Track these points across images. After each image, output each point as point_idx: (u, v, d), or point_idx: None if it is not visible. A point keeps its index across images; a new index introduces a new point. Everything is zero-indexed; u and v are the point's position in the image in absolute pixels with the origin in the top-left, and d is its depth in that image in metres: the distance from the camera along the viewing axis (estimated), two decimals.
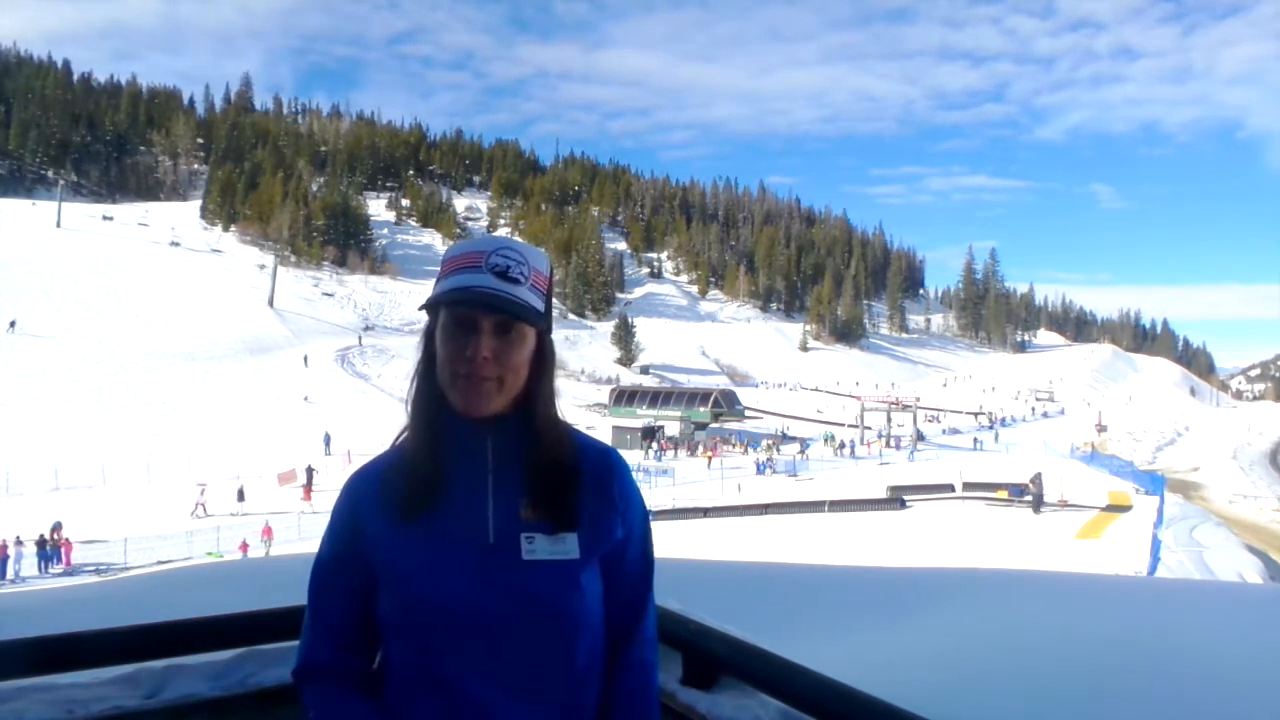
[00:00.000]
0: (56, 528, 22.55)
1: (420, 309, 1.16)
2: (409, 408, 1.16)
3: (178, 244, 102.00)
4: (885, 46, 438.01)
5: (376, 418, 43.81)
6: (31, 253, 79.87)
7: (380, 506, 1.12)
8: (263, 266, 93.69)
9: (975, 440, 50.22)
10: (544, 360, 1.16)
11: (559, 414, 1.17)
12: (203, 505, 28.50)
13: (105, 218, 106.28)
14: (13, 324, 49.54)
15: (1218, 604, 3.63)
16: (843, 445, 45.71)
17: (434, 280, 1.17)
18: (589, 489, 1.14)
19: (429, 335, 1.15)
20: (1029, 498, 27.94)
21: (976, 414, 67.93)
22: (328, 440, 40.79)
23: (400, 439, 1.17)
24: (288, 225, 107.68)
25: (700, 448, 45.77)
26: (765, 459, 40.14)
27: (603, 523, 1.15)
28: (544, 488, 1.12)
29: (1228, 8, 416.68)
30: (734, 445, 46.43)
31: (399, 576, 1.10)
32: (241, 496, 30.42)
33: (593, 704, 1.14)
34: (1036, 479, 27.96)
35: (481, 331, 1.09)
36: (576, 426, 1.21)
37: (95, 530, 24.06)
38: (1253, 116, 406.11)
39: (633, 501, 1.20)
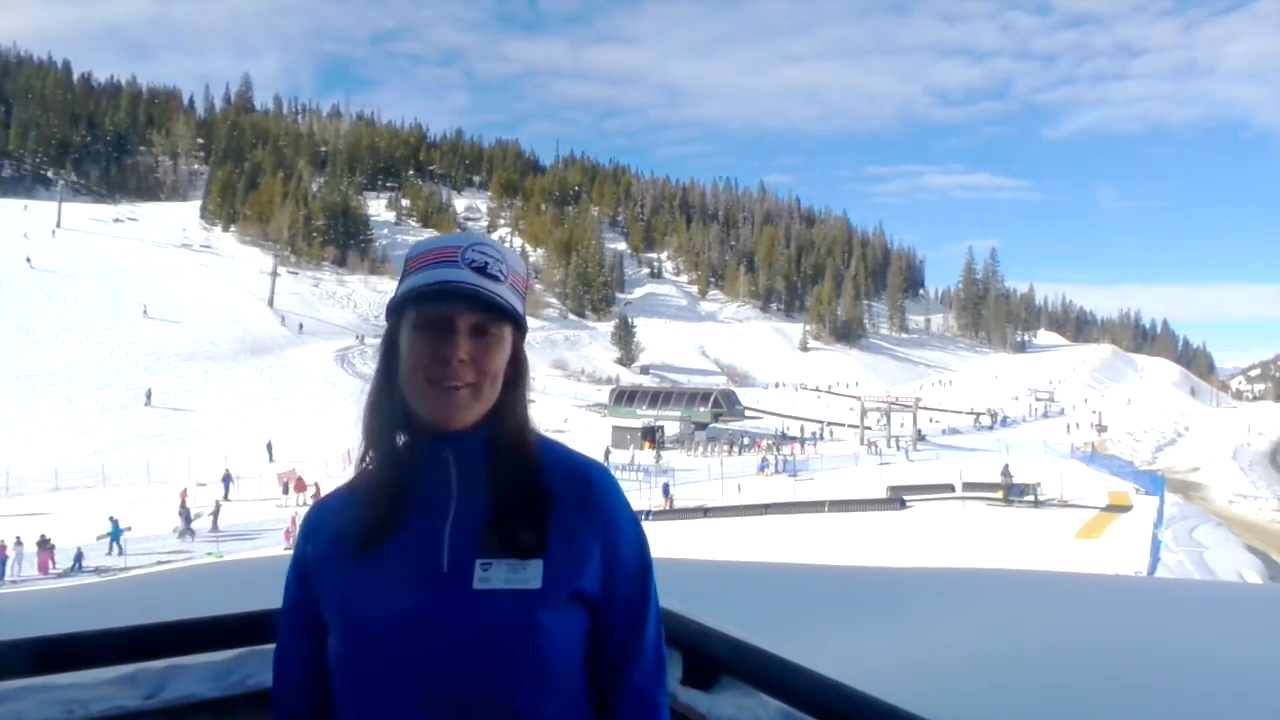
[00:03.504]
0: (44, 543, 22.50)
1: (388, 307, 1.02)
2: (362, 431, 1.04)
3: (189, 245, 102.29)
4: (881, 42, 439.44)
5: None
6: (32, 253, 79.88)
7: (332, 543, 1.02)
8: (265, 271, 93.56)
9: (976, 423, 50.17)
10: (518, 369, 1.04)
11: (531, 427, 1.05)
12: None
13: (116, 220, 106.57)
14: (149, 394, 49.54)
15: (1218, 604, 3.63)
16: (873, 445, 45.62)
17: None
18: (564, 510, 1.00)
19: (389, 343, 1.03)
20: (1029, 498, 27.98)
21: (977, 414, 67.85)
22: (149, 395, 45.34)
23: (360, 467, 1.06)
24: (288, 225, 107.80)
25: (706, 448, 45.88)
26: (769, 458, 40.16)
27: (577, 549, 0.99)
28: (508, 507, 0.99)
29: (1230, 3, 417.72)
30: (729, 447, 46.44)
31: (339, 617, 0.99)
32: (227, 495, 30.88)
33: None
34: (1005, 470, 29.16)
35: (458, 332, 0.97)
36: (556, 437, 1.10)
37: (96, 530, 24.05)
38: (1258, 114, 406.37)
39: (619, 522, 1.03)
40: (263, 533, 25.90)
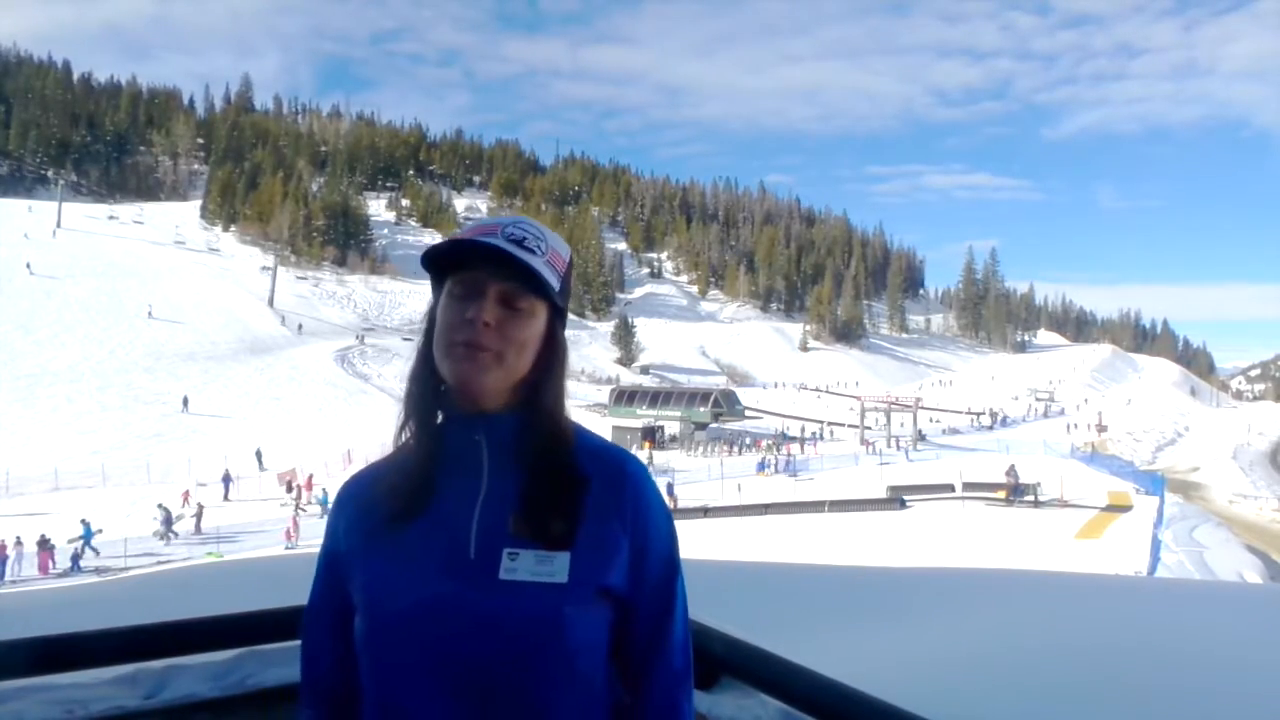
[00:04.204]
0: (44, 543, 22.45)
1: (422, 261, 1.04)
2: (404, 403, 1.04)
3: (182, 243, 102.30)
4: (881, 42, 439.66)
5: (377, 418, 43.81)
6: (32, 253, 79.88)
7: (362, 516, 1.02)
8: (265, 268, 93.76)
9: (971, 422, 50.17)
10: (554, 351, 1.04)
11: (566, 412, 1.04)
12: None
13: (110, 217, 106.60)
14: (185, 401, 48.52)
15: (1218, 604, 3.63)
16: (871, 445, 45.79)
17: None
18: (594, 503, 0.99)
19: (430, 319, 1.04)
20: (1030, 498, 27.98)
21: (975, 415, 67.84)
22: (185, 401, 41.90)
23: (398, 441, 1.06)
24: (288, 225, 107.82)
25: (706, 448, 45.88)
26: (769, 458, 40.16)
27: (606, 543, 0.98)
28: (538, 496, 0.98)
29: (1230, 2, 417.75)
30: (729, 447, 46.43)
31: (364, 594, 0.99)
32: (227, 495, 30.95)
33: None
34: (1011, 470, 29.28)
35: (486, 297, 0.98)
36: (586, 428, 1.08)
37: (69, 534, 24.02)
38: (1258, 114, 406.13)
39: (650, 516, 1.02)
40: (246, 535, 25.43)
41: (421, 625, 0.94)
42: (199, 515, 26.58)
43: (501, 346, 0.98)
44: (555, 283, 1.01)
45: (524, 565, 0.94)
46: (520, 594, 0.94)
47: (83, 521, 23.63)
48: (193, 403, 49.31)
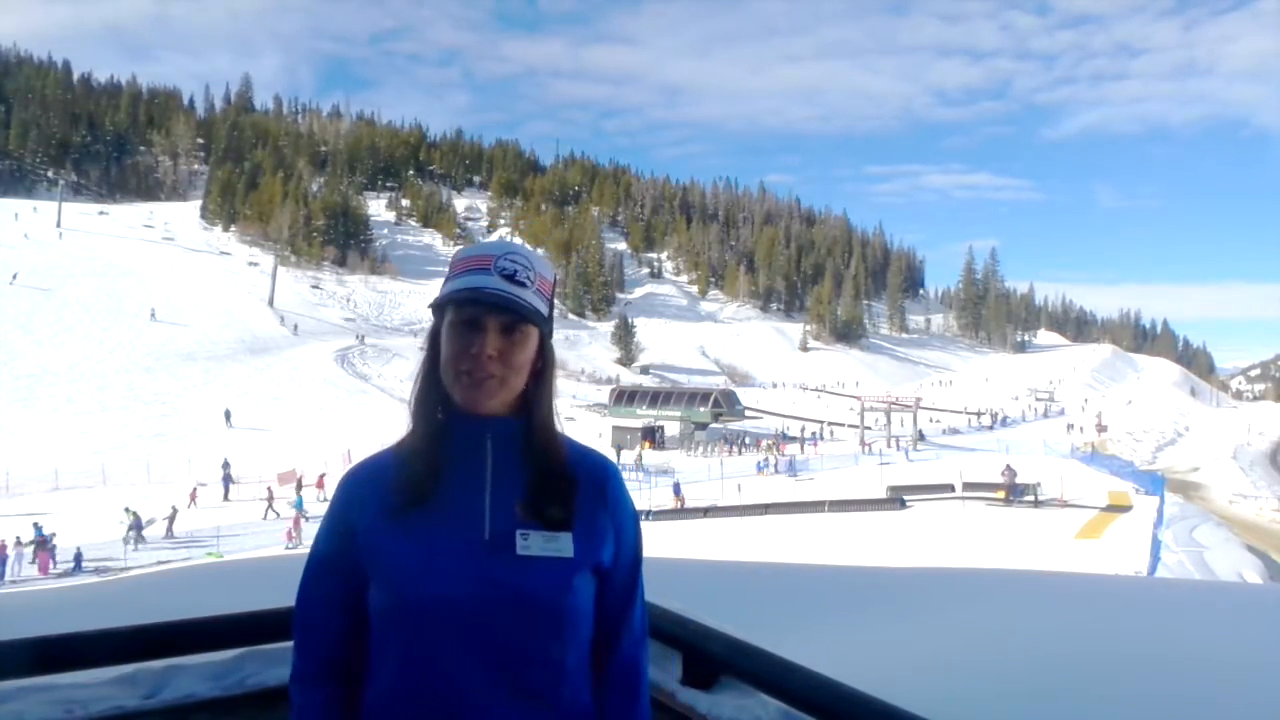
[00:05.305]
0: (40, 539, 22.33)
1: (430, 308, 1.20)
2: (411, 406, 1.19)
3: (171, 239, 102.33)
4: (881, 42, 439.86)
5: (377, 418, 43.82)
6: (32, 253, 79.81)
7: (375, 502, 1.14)
8: (254, 264, 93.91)
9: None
10: (544, 364, 1.19)
11: (556, 420, 1.20)
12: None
13: (101, 213, 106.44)
14: (228, 414, 46.42)
15: (1218, 604, 3.63)
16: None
17: (435, 280, 1.15)
18: (584, 494, 1.16)
19: (434, 335, 1.18)
20: (1029, 498, 27.97)
21: (973, 414, 67.82)
22: (227, 415, 36.17)
23: (401, 437, 1.20)
24: (288, 225, 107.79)
25: (706, 448, 45.85)
26: (769, 458, 40.15)
27: (597, 528, 1.16)
28: (540, 487, 1.14)
29: (1230, 2, 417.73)
30: (729, 447, 46.40)
31: (391, 574, 1.11)
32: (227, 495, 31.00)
33: (585, 705, 1.15)
34: (1007, 469, 29.38)
35: (487, 331, 1.12)
36: (571, 435, 1.24)
37: (96, 530, 24.02)
38: (1258, 114, 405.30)
39: (625, 508, 1.22)
40: (222, 540, 24.58)
41: (456, 602, 1.08)
42: (171, 519, 25.85)
43: (504, 372, 1.14)
44: (544, 308, 1.17)
45: (535, 543, 1.11)
46: (536, 567, 1.10)
47: (35, 525, 23.22)
48: (192, 403, 49.30)
